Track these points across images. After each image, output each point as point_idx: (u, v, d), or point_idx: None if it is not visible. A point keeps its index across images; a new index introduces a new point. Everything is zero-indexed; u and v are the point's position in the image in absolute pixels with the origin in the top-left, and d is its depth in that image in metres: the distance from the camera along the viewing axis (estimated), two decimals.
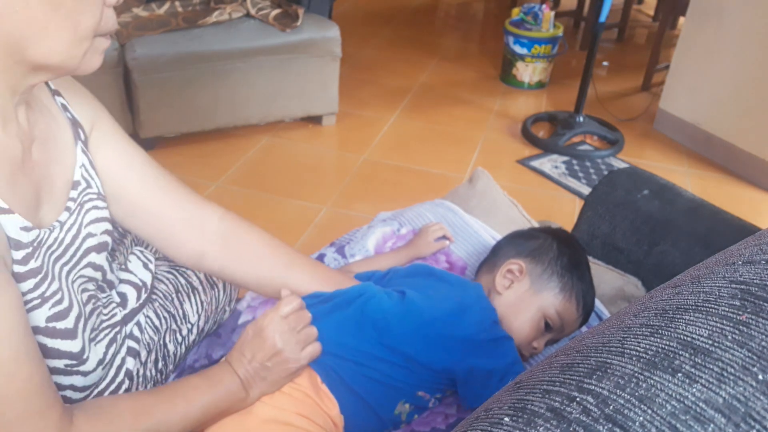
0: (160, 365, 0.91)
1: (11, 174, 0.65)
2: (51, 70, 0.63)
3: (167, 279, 0.98)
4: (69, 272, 0.73)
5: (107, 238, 0.81)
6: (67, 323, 0.71)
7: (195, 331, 0.99)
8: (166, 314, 0.93)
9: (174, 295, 0.96)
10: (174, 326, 0.94)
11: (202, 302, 1.00)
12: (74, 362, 0.73)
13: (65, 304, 0.71)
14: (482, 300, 0.97)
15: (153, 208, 0.84)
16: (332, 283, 0.95)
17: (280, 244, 0.94)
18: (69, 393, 0.75)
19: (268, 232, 0.95)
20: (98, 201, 0.79)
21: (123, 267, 0.92)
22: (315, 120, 2.80)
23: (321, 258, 1.21)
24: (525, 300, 0.96)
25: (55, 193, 0.72)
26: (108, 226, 0.81)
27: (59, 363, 0.71)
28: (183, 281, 0.99)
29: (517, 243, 1.04)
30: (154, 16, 2.47)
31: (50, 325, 0.69)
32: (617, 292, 1.15)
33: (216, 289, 1.04)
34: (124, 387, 0.84)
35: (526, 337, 0.95)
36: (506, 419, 0.43)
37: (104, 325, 0.80)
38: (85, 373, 0.75)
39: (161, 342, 0.92)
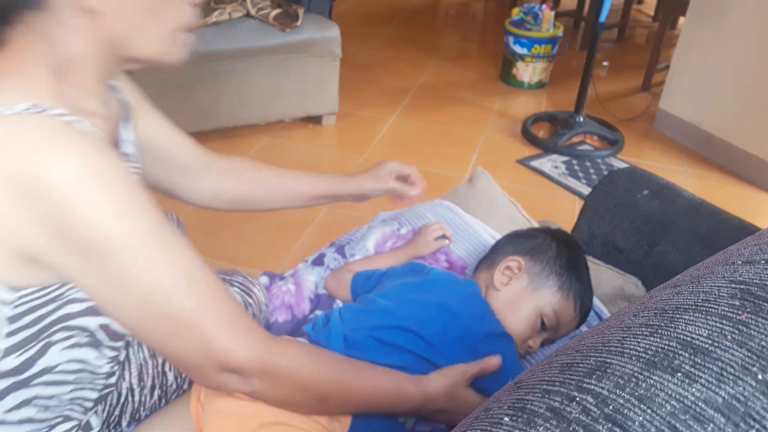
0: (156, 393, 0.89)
1: None
2: (142, 62, 0.72)
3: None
4: None
5: None
6: None
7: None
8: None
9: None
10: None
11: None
12: None
13: None
14: (474, 296, 0.98)
15: (176, 159, 0.96)
16: (332, 183, 1.08)
17: (273, 166, 1.09)
18: None
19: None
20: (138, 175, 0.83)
21: None
22: (315, 120, 2.80)
23: (321, 258, 1.21)
24: (522, 297, 0.96)
25: None
26: None
27: None
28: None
29: (517, 242, 1.04)
30: None
31: None
32: (617, 292, 1.15)
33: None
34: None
35: (522, 334, 0.95)
36: (506, 419, 0.43)
37: None
38: None
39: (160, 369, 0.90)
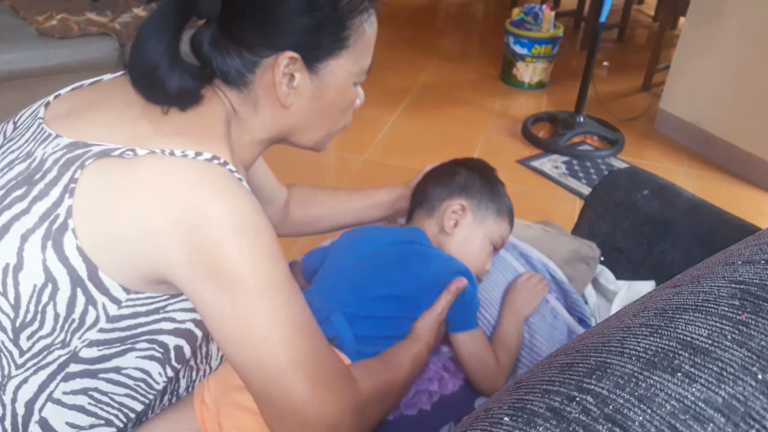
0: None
1: None
2: (296, 145, 0.84)
3: None
4: None
5: None
6: None
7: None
8: None
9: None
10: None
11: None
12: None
13: None
14: (424, 239, 1.03)
15: (265, 192, 1.05)
16: (384, 202, 1.20)
17: (334, 188, 1.20)
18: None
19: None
20: None
21: None
22: None
23: None
24: (473, 233, 1.03)
25: None
26: None
27: None
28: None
29: (444, 183, 1.07)
30: None
31: None
32: (573, 255, 1.19)
33: None
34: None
35: (482, 264, 1.04)
36: (506, 419, 0.43)
37: None
38: None
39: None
